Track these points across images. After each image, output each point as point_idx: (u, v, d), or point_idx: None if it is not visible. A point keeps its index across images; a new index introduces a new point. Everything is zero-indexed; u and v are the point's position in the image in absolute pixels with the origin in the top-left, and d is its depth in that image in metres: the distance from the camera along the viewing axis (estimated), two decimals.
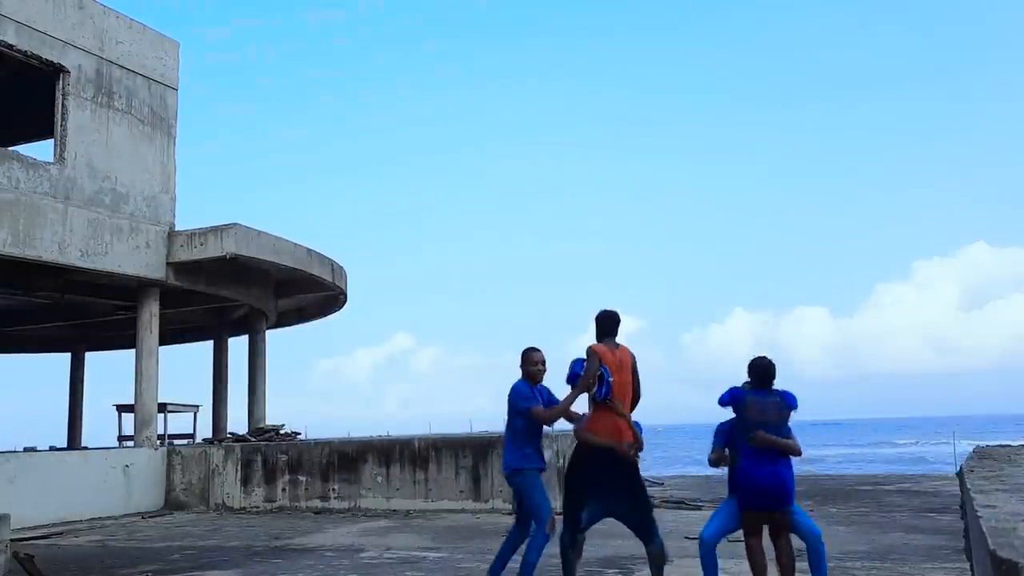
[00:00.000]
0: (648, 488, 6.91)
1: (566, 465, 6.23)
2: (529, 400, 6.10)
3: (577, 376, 5.79)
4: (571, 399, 5.90)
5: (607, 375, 5.62)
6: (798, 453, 5.58)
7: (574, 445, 6.02)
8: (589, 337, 6.01)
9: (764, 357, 5.72)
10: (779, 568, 5.55)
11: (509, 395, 6.21)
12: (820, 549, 5.52)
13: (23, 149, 15.21)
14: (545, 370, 6.28)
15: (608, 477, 5.65)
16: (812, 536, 5.55)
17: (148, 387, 15.71)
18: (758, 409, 5.59)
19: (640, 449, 5.76)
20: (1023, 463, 5.60)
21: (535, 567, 5.94)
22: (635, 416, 5.88)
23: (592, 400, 5.75)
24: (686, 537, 8.43)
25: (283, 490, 14.27)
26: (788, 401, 5.63)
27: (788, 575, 5.55)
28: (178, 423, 22.21)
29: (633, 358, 5.86)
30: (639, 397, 5.91)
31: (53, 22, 14.31)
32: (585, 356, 5.77)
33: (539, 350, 6.31)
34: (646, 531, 5.68)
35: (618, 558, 7.91)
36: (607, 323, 5.88)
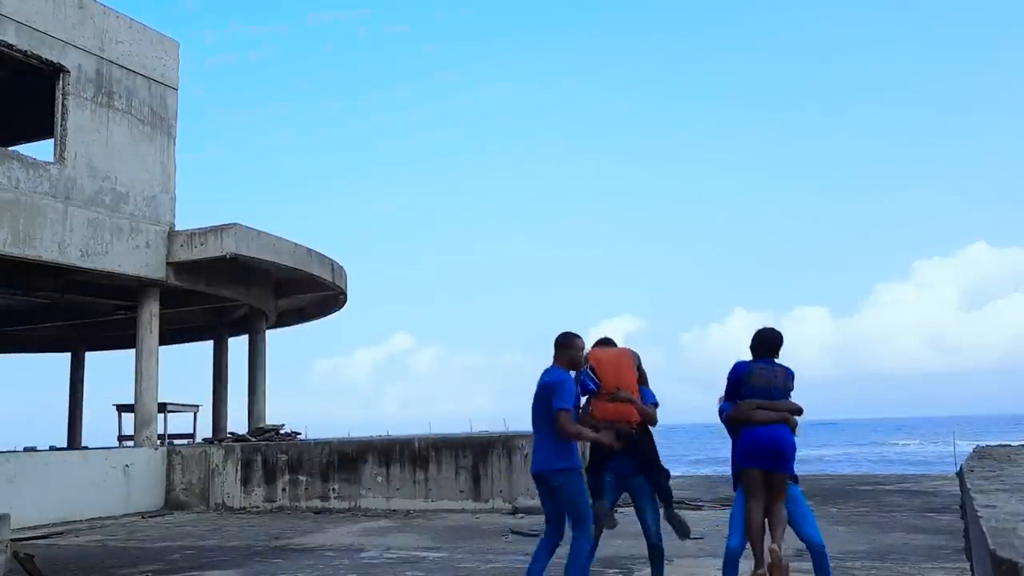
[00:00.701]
0: None
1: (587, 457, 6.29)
2: (571, 400, 5.69)
3: (586, 387, 6.00)
4: (592, 432, 5.80)
5: (583, 375, 5.97)
6: (798, 410, 5.58)
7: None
8: (590, 336, 6.36)
9: (771, 327, 5.79)
10: (771, 533, 5.53)
11: (549, 383, 5.66)
12: (823, 553, 5.51)
13: (23, 149, 15.22)
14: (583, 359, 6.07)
15: (618, 453, 5.89)
16: (815, 545, 5.53)
17: (148, 387, 15.72)
18: (766, 376, 5.62)
19: (652, 423, 6.07)
20: (1023, 463, 5.60)
21: (587, 570, 5.69)
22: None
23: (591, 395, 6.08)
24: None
25: (283, 490, 14.27)
26: (790, 372, 5.70)
27: (777, 537, 5.50)
28: (178, 423, 22.24)
29: (632, 355, 6.17)
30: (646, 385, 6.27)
31: (53, 22, 14.31)
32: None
33: (580, 335, 5.90)
34: (666, 495, 6.01)
35: (618, 558, 7.91)
36: (605, 341, 6.45)
